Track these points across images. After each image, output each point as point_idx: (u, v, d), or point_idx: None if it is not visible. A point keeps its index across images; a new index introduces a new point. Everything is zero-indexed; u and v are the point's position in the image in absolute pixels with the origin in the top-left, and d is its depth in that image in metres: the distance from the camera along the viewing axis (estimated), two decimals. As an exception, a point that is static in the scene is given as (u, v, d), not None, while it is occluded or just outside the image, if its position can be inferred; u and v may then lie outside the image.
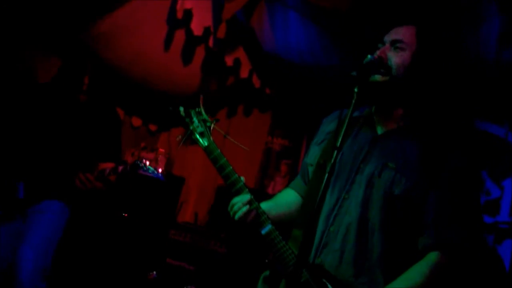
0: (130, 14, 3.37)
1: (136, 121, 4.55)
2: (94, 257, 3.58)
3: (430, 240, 1.52)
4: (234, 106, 4.99)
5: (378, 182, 1.55)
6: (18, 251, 2.50)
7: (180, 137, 1.77)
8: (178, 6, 3.37)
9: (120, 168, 2.60)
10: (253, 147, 4.86)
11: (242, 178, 1.69)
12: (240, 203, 1.64)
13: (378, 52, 1.61)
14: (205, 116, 1.77)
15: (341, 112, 1.57)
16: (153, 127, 4.70)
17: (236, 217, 1.64)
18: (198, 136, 1.74)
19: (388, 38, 1.64)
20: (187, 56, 3.90)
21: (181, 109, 1.78)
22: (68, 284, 3.37)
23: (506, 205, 3.72)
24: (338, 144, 1.39)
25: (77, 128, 2.75)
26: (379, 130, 1.65)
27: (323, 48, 3.77)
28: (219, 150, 1.71)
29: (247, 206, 1.63)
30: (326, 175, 1.37)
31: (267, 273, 1.65)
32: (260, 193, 4.61)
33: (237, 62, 4.08)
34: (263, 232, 1.62)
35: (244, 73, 4.19)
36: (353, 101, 1.44)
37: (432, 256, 1.51)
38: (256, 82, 4.38)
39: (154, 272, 3.63)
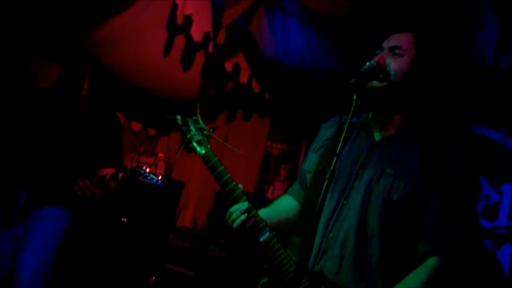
0: (130, 20, 3.39)
1: (136, 126, 4.56)
2: (93, 263, 3.58)
3: (429, 245, 1.53)
4: (234, 111, 5.00)
5: (377, 188, 1.56)
6: (18, 257, 2.50)
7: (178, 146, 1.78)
8: (178, 12, 3.39)
9: (120, 174, 2.60)
10: (252, 151, 4.87)
11: (240, 185, 1.70)
12: (238, 211, 1.65)
13: (376, 58, 1.62)
14: (202, 124, 1.79)
15: (340, 118, 1.58)
16: (152, 132, 4.71)
17: (235, 225, 1.65)
18: (195, 145, 1.75)
19: (386, 44, 1.66)
20: (187, 62, 3.92)
21: (178, 117, 1.79)
22: (68, 290, 3.36)
23: (504, 210, 3.73)
24: (338, 150, 1.40)
25: (77, 133, 2.76)
26: (377, 136, 1.66)
27: (323, 53, 3.78)
28: (216, 158, 1.72)
29: (245, 214, 1.64)
30: (326, 181, 1.38)
31: (265, 279, 1.66)
32: (260, 198, 4.61)
33: (236, 67, 4.10)
34: (262, 239, 1.63)
35: (243, 78, 4.21)
36: (352, 108, 1.45)
37: (431, 262, 1.52)
38: (256, 87, 4.40)
39: (154, 278, 3.63)
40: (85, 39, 3.36)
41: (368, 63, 1.58)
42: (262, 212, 1.71)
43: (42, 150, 2.69)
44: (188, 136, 1.76)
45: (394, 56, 1.62)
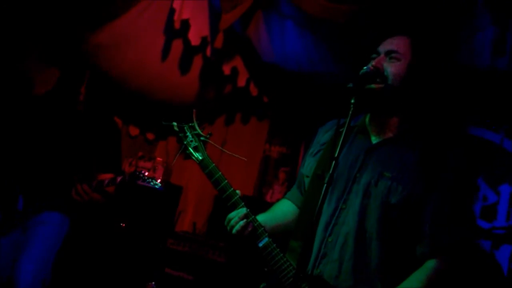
0: (128, 24, 3.39)
1: (134, 130, 4.56)
2: (92, 268, 3.57)
3: (427, 247, 1.54)
4: (232, 114, 5.01)
5: (375, 192, 1.57)
6: (18, 263, 2.50)
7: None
8: (176, 17, 3.40)
9: (119, 179, 2.60)
10: (251, 155, 4.87)
11: (238, 191, 1.70)
12: (236, 217, 1.65)
13: (373, 63, 1.63)
14: (198, 130, 1.79)
15: (338, 122, 1.59)
16: (150, 136, 4.71)
17: (234, 231, 1.65)
18: (192, 151, 1.75)
19: (382, 48, 1.66)
20: (184, 66, 3.93)
21: (174, 124, 1.80)
22: (67, 295, 3.35)
23: (503, 210, 3.74)
24: (336, 154, 1.41)
25: (75, 138, 2.75)
26: (374, 140, 1.67)
27: (320, 56, 3.80)
28: (213, 165, 1.72)
29: (244, 220, 1.64)
30: (325, 185, 1.38)
31: (264, 284, 1.66)
32: (258, 201, 4.61)
33: (234, 71, 4.11)
34: (260, 244, 1.63)
35: (241, 81, 4.22)
36: (350, 112, 1.46)
37: (430, 264, 1.53)
38: (254, 90, 4.41)
39: (153, 282, 3.62)
40: (82, 44, 3.36)
41: (365, 68, 1.59)
42: (261, 217, 1.71)
43: (41, 155, 2.69)
44: (185, 142, 1.77)
45: (391, 60, 1.63)
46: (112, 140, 2.86)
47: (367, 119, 1.71)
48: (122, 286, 3.68)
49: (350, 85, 1.49)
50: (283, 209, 1.86)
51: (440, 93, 1.72)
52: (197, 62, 3.96)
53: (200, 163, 1.73)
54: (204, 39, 3.62)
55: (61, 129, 2.76)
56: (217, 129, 4.83)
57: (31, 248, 2.53)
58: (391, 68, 1.62)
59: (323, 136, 1.81)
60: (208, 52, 3.74)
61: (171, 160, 4.70)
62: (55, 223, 2.63)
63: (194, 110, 1.82)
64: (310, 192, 1.69)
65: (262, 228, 1.65)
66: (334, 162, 1.41)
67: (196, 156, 1.75)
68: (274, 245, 1.62)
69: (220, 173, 1.70)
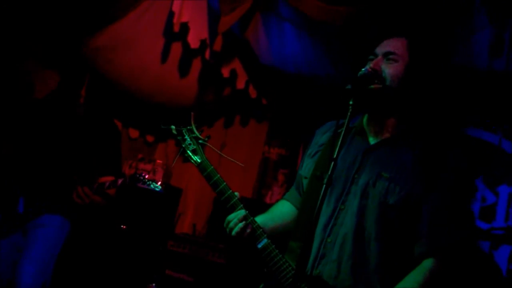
0: (127, 27, 3.41)
1: (133, 133, 4.57)
2: (93, 270, 3.57)
3: (425, 246, 1.55)
4: (231, 116, 5.02)
5: (373, 192, 1.58)
6: (18, 266, 2.50)
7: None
8: (175, 20, 3.42)
9: (120, 181, 2.61)
10: (250, 157, 4.88)
11: (236, 193, 1.70)
12: (236, 219, 1.66)
13: (371, 64, 1.64)
14: (197, 133, 1.79)
15: (337, 123, 1.60)
16: (150, 138, 4.72)
17: (233, 233, 1.66)
18: (190, 154, 1.76)
19: (380, 50, 1.67)
20: (184, 68, 3.94)
21: (173, 127, 1.80)
22: (68, 298, 3.36)
23: (501, 211, 3.75)
24: (335, 155, 1.42)
25: (76, 141, 2.76)
26: (372, 140, 1.68)
27: (318, 58, 3.82)
28: (212, 167, 1.72)
29: (243, 222, 1.65)
30: (324, 186, 1.39)
31: (263, 285, 1.66)
32: (258, 203, 4.62)
33: (233, 73, 4.12)
34: (260, 246, 1.64)
35: (240, 84, 4.24)
36: (349, 114, 1.47)
37: (427, 263, 1.54)
38: (253, 92, 4.43)
39: (154, 284, 3.62)
40: (82, 48, 3.38)
41: (363, 69, 1.60)
42: (260, 219, 1.72)
43: (41, 158, 2.69)
44: (183, 145, 1.77)
45: (389, 61, 1.64)
46: (112, 142, 2.87)
47: (364, 120, 1.72)
48: (122, 288, 3.69)
49: (349, 86, 1.50)
50: (282, 210, 1.87)
51: (437, 94, 1.73)
52: (196, 65, 3.98)
53: (199, 166, 1.74)
54: (203, 42, 3.64)
55: (62, 132, 2.76)
56: (216, 132, 4.84)
57: (32, 250, 2.53)
58: (389, 70, 1.62)
59: (321, 137, 1.82)
60: (207, 54, 3.75)
61: (170, 162, 4.71)
62: (56, 225, 2.64)
63: (192, 113, 1.82)
64: (309, 193, 1.70)
65: (261, 230, 1.66)
66: (333, 163, 1.42)
67: (194, 159, 1.75)
68: (273, 246, 1.63)
69: (218, 175, 1.71)
